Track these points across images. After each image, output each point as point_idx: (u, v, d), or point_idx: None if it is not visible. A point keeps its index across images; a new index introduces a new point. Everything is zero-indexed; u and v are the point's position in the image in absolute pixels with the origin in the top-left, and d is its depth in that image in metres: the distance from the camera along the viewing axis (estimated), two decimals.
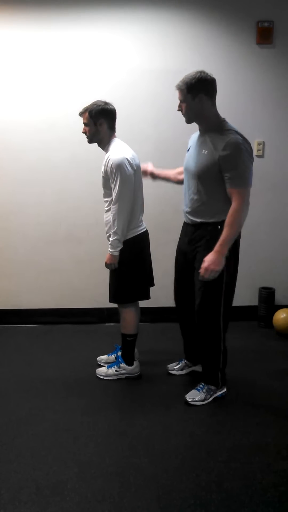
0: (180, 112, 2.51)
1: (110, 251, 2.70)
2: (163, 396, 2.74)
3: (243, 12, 3.48)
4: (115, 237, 2.66)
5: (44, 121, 3.57)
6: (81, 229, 3.74)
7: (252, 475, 2.08)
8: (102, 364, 3.08)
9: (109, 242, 2.70)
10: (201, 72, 2.40)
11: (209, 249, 2.41)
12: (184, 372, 2.95)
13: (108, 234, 2.74)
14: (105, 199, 2.77)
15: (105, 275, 2.94)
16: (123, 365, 2.92)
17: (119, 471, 2.12)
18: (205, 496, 1.96)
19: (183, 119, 2.52)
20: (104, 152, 2.75)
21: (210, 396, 2.66)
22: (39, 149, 3.61)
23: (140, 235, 2.79)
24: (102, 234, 2.89)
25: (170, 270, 2.79)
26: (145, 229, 2.84)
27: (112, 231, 2.67)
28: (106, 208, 2.76)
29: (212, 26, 3.49)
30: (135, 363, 2.94)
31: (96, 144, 2.79)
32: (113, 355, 3.09)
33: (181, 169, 2.81)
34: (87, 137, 2.77)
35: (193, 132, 2.66)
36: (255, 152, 3.58)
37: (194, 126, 2.60)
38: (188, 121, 2.51)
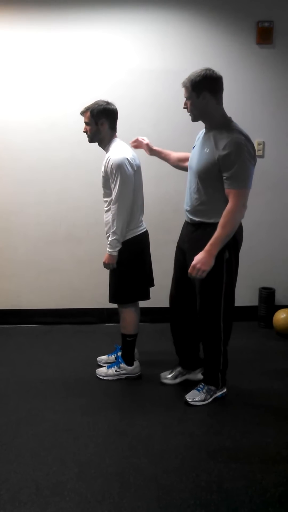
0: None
1: (108, 251, 2.70)
2: (163, 396, 2.74)
3: (243, 12, 3.48)
4: (114, 237, 2.66)
5: (44, 121, 3.57)
6: (81, 229, 3.74)
7: (252, 475, 2.08)
8: (102, 365, 3.08)
9: (108, 242, 2.70)
10: (207, 69, 2.36)
11: None
12: (177, 381, 2.84)
13: (107, 234, 2.74)
14: (105, 199, 2.77)
15: (105, 276, 2.93)
16: (123, 365, 2.92)
17: (119, 471, 2.12)
18: (205, 496, 1.96)
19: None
20: (104, 152, 2.75)
21: (210, 397, 2.66)
22: (39, 149, 3.61)
23: (140, 235, 2.79)
24: (102, 234, 2.89)
25: (170, 270, 2.79)
26: (145, 229, 2.84)
27: (111, 231, 2.67)
28: (106, 208, 2.76)
29: (212, 26, 3.49)
30: (135, 363, 2.94)
31: (96, 144, 2.79)
32: (113, 356, 3.09)
33: (184, 154, 2.79)
34: (88, 137, 2.77)
35: (193, 132, 2.66)
36: None
37: (194, 126, 2.60)
38: (194, 119, 2.46)
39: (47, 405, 2.65)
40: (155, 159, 2.91)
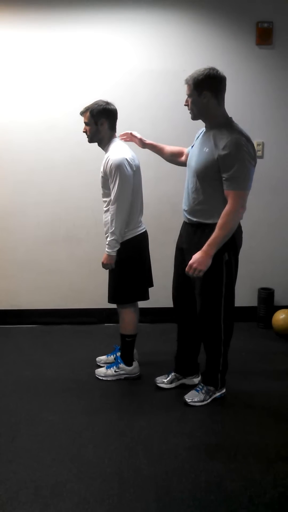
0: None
1: (107, 251, 2.70)
2: (162, 397, 2.74)
3: (242, 13, 3.48)
4: (112, 237, 2.66)
5: (44, 121, 3.57)
6: (81, 229, 3.74)
7: (251, 476, 2.08)
8: (101, 365, 3.08)
9: (107, 242, 2.70)
10: (210, 69, 2.35)
11: None
12: (173, 385, 2.81)
13: (107, 234, 2.73)
14: (104, 199, 2.77)
15: (104, 276, 2.93)
16: (122, 365, 2.92)
17: (118, 471, 2.12)
18: (204, 497, 1.96)
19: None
20: (104, 152, 2.75)
21: (209, 397, 2.66)
22: (38, 150, 3.60)
23: (139, 236, 2.79)
24: (101, 234, 2.89)
25: (169, 270, 2.79)
26: (144, 230, 2.84)
27: (110, 231, 2.67)
28: (105, 208, 2.76)
29: (211, 26, 3.50)
30: (134, 364, 2.94)
31: (95, 144, 2.79)
32: (112, 356, 3.09)
33: (178, 148, 2.78)
34: (87, 137, 2.77)
35: (193, 132, 2.65)
36: None
37: (194, 126, 2.60)
38: (193, 117, 2.45)
39: (46, 406, 2.65)
40: (154, 159, 2.91)
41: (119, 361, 2.93)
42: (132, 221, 2.73)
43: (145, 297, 2.90)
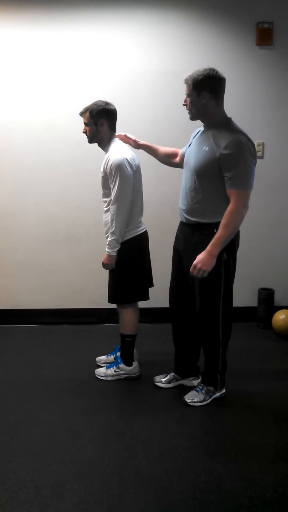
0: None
1: (107, 252, 2.70)
2: (162, 397, 2.74)
3: (243, 13, 3.48)
4: (112, 237, 2.66)
5: (44, 122, 3.57)
6: (81, 229, 3.74)
7: (251, 476, 2.08)
8: (101, 365, 3.08)
9: (107, 242, 2.70)
10: (210, 69, 2.35)
11: None
12: (171, 385, 2.81)
13: (107, 234, 2.73)
14: (104, 199, 2.77)
15: (104, 276, 2.93)
16: (122, 365, 2.92)
17: (117, 472, 2.12)
18: (204, 497, 1.96)
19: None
20: (104, 152, 2.75)
21: (209, 397, 2.66)
22: (38, 150, 3.60)
23: (139, 236, 2.79)
24: (101, 234, 2.89)
25: (169, 270, 2.78)
26: (144, 230, 2.84)
27: (110, 231, 2.66)
28: (105, 209, 2.76)
29: (211, 27, 3.50)
30: (134, 364, 2.93)
31: (95, 144, 2.79)
32: (112, 356, 3.09)
33: (172, 150, 2.78)
34: (87, 137, 2.76)
35: (193, 132, 2.65)
36: None
37: (194, 127, 2.59)
38: (192, 117, 2.45)
39: (46, 406, 2.65)
40: (154, 160, 2.91)
41: (119, 361, 2.93)
42: (132, 221, 2.73)
43: (145, 297, 2.90)
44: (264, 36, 3.50)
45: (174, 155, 2.79)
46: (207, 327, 2.57)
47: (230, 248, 2.45)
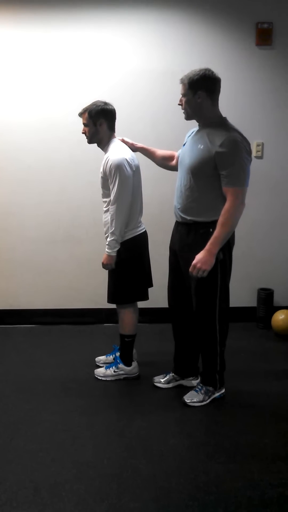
0: (178, 113, 2.49)
1: (107, 252, 2.70)
2: (161, 397, 2.74)
3: (242, 13, 3.48)
4: (112, 238, 2.66)
5: (43, 121, 3.57)
6: (80, 229, 3.74)
7: (250, 476, 2.08)
8: (100, 365, 3.08)
9: (107, 243, 2.70)
10: (206, 69, 2.37)
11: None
12: (170, 385, 2.81)
13: (106, 234, 2.73)
14: (104, 200, 2.77)
15: (103, 276, 2.93)
16: (121, 365, 2.92)
17: (117, 472, 2.12)
18: (203, 497, 1.96)
19: (182, 119, 2.51)
20: (103, 152, 2.75)
21: (208, 397, 2.66)
22: (38, 149, 3.60)
23: (139, 236, 2.79)
24: (101, 234, 2.89)
25: (168, 271, 2.78)
26: (144, 230, 2.84)
27: (110, 231, 2.66)
28: (105, 209, 2.76)
29: (211, 27, 3.50)
30: (134, 364, 2.93)
31: (95, 144, 2.79)
32: (111, 356, 3.09)
33: (169, 152, 2.79)
34: (86, 138, 2.76)
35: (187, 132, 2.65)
36: (254, 154, 3.58)
37: (194, 126, 2.59)
38: (187, 117, 2.46)
39: (45, 406, 2.65)
40: None
41: (118, 361, 2.93)
42: (132, 221, 2.73)
43: (145, 297, 2.90)
44: (264, 36, 3.50)
45: (171, 157, 2.80)
46: (204, 326, 2.57)
47: (226, 247, 2.45)
